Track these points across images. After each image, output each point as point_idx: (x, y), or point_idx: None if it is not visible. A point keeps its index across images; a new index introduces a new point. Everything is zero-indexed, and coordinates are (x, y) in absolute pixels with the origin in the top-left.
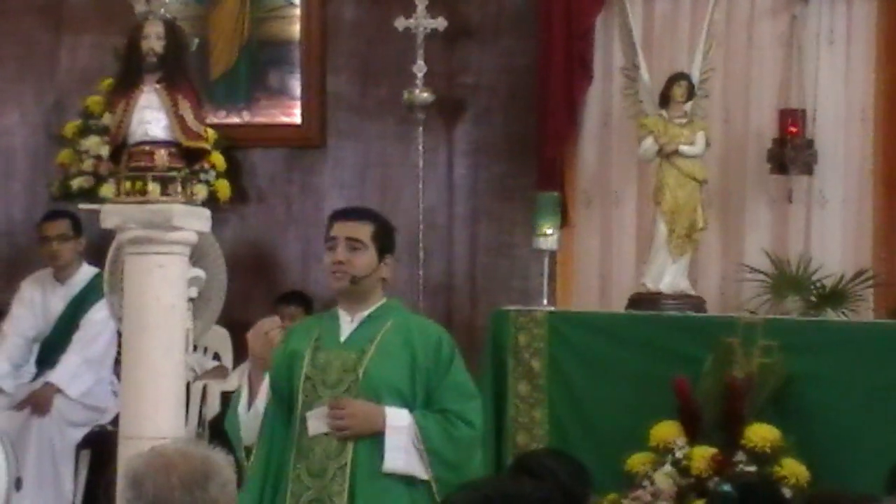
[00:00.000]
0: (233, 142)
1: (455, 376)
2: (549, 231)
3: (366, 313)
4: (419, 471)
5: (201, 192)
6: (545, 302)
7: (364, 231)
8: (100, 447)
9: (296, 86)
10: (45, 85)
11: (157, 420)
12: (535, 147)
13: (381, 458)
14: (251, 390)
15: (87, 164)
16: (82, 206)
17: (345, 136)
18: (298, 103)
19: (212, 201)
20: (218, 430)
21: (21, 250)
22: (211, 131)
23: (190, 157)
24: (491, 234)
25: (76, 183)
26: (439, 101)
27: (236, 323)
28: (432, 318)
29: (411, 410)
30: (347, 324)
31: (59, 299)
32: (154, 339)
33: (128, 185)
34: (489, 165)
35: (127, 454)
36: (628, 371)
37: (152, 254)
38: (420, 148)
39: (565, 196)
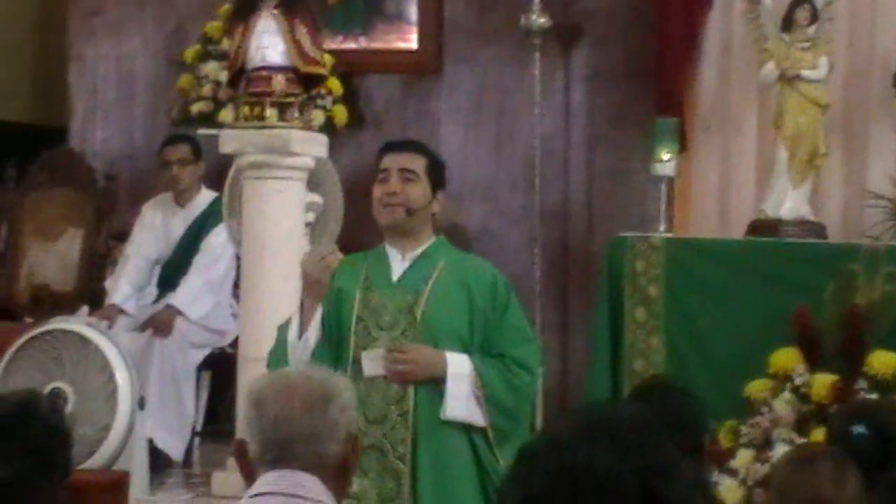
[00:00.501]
0: (349, 67)
1: (512, 319)
2: (667, 157)
3: (418, 251)
4: (478, 419)
5: (318, 117)
6: (662, 228)
7: (418, 163)
8: (220, 369)
9: (412, 11)
10: (166, 10)
11: None
12: (654, 73)
13: (441, 404)
14: (302, 320)
15: (207, 90)
16: (201, 131)
17: (461, 61)
18: (415, 29)
19: (329, 127)
20: None
21: (142, 174)
22: (328, 57)
23: (307, 82)
24: (608, 160)
25: (196, 108)
26: (556, 27)
27: (353, 248)
28: (549, 245)
29: (469, 355)
30: (398, 262)
31: (179, 223)
32: (272, 263)
33: (246, 110)
34: (606, 91)
35: (246, 376)
36: (747, 298)
37: (270, 179)
38: (536, 74)
39: (684, 122)
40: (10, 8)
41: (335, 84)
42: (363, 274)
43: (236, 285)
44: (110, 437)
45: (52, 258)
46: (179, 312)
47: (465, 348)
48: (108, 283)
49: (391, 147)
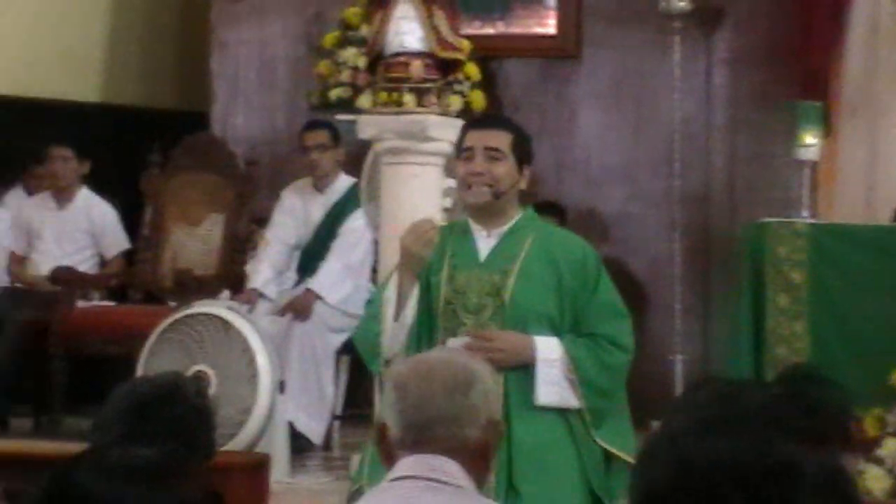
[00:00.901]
0: (487, 52)
1: (603, 295)
2: (811, 141)
3: (504, 228)
4: (572, 402)
5: (456, 102)
6: (806, 213)
7: (503, 140)
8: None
9: None
10: None
11: None
12: (798, 55)
13: (532, 389)
14: (400, 297)
15: (345, 75)
16: (340, 116)
17: (600, 46)
18: (554, 13)
19: (466, 112)
20: None
21: (282, 160)
22: (466, 42)
23: (445, 67)
24: (750, 143)
25: (334, 94)
26: (698, 10)
27: None
28: (689, 230)
29: (559, 336)
30: (484, 240)
31: (318, 208)
32: None
33: (384, 95)
34: (749, 74)
35: None
36: (894, 284)
37: (408, 164)
38: (677, 57)
39: (828, 105)
40: None
41: (473, 69)
42: (448, 251)
43: (374, 270)
44: (251, 419)
45: (195, 242)
46: (318, 297)
47: (554, 330)
48: (248, 268)
49: (475, 124)
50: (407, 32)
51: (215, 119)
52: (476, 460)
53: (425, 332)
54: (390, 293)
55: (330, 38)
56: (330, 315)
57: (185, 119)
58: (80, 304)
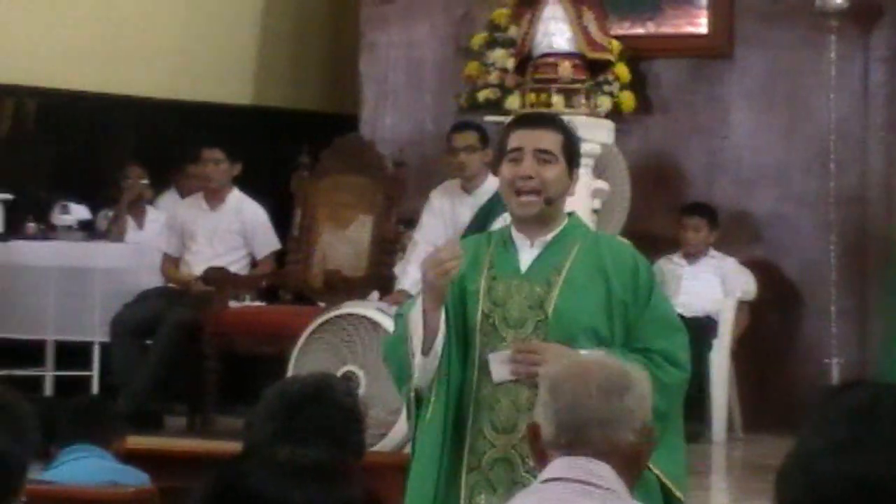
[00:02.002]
0: (637, 52)
1: (657, 307)
2: None
3: (549, 237)
4: None
5: (605, 103)
6: None
7: (555, 141)
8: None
9: None
10: None
11: None
12: None
13: None
14: (426, 326)
15: (494, 77)
16: (488, 117)
17: (752, 45)
18: (705, 12)
19: (615, 113)
20: None
21: (431, 160)
22: (615, 42)
23: (594, 68)
24: None
25: (483, 95)
26: (854, 7)
27: (639, 233)
28: (845, 231)
29: (608, 350)
30: (527, 249)
31: (466, 209)
32: None
33: (532, 96)
34: None
35: None
36: None
37: None
38: (832, 56)
39: None
40: None
41: (622, 70)
42: (487, 261)
43: None
44: (401, 420)
45: (344, 244)
46: None
47: (603, 345)
48: (397, 269)
49: (523, 122)
50: (556, 33)
51: (364, 121)
52: (629, 464)
53: (458, 348)
54: (417, 314)
55: (478, 39)
56: None
57: (334, 121)
58: (232, 304)
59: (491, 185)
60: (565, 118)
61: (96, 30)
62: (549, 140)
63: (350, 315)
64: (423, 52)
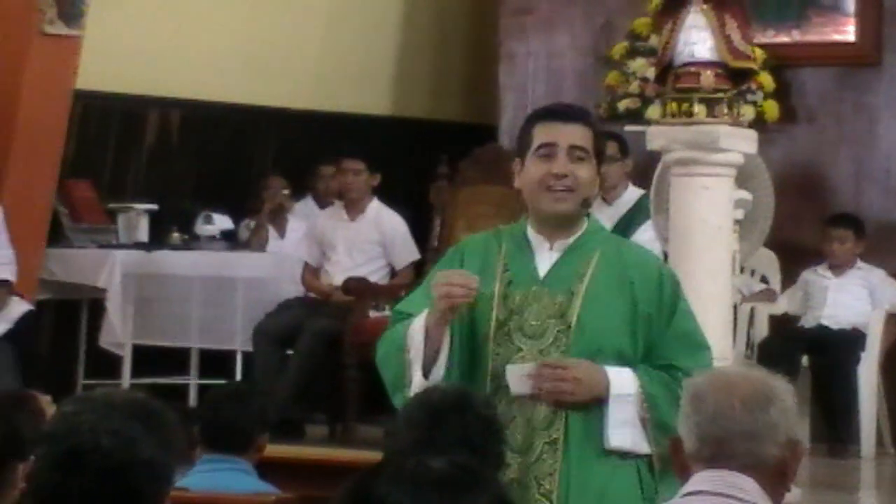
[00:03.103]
0: (781, 61)
1: (682, 323)
2: None
3: (570, 240)
4: (643, 446)
5: (748, 112)
6: None
7: (588, 137)
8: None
9: (849, 2)
10: (595, 7)
11: None
12: None
13: (596, 429)
14: (427, 347)
15: (634, 86)
16: (629, 127)
17: None
18: (852, 20)
19: (759, 122)
20: (768, 353)
21: None
22: (759, 51)
23: (737, 77)
24: None
25: (623, 104)
26: None
27: (784, 245)
28: None
29: (632, 369)
30: (545, 253)
31: (606, 219)
32: (700, 260)
33: (674, 106)
34: None
35: None
36: None
37: (698, 175)
38: None
39: None
40: (442, 9)
41: (766, 78)
42: (501, 264)
43: None
44: None
45: None
46: None
47: (625, 361)
48: None
49: (554, 114)
50: (697, 42)
51: (503, 131)
52: (773, 479)
53: (463, 356)
54: (418, 327)
55: (618, 48)
56: None
57: (473, 131)
58: (372, 314)
59: (631, 195)
60: (711, 128)
61: (239, 42)
62: (583, 136)
63: None
64: (562, 62)
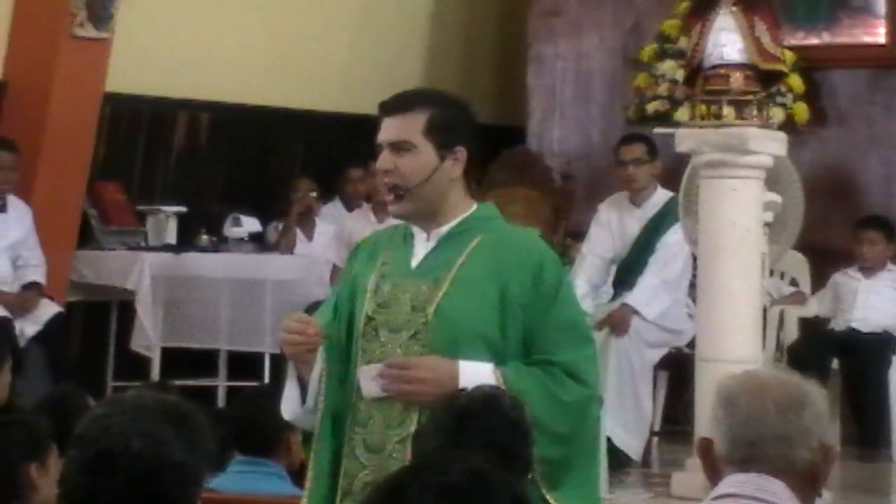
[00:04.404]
0: (811, 63)
1: (562, 313)
2: None
3: (445, 229)
4: None
5: (778, 115)
6: None
7: (412, 124)
8: (677, 368)
9: (880, 4)
10: (624, 9)
11: (733, 344)
12: None
13: None
14: (299, 376)
15: (663, 88)
16: (657, 129)
17: None
18: (883, 22)
19: (788, 124)
20: (798, 356)
21: (599, 173)
22: (788, 53)
23: (766, 79)
24: None
25: (652, 107)
26: None
27: (814, 248)
28: None
29: (497, 364)
30: (423, 243)
31: (634, 222)
32: (729, 262)
33: (703, 108)
34: None
35: (704, 377)
36: None
37: (727, 178)
38: None
39: None
40: (471, 10)
41: (796, 81)
42: (382, 257)
43: (693, 285)
44: None
45: None
46: (635, 311)
47: (496, 356)
48: None
49: (383, 110)
50: (727, 44)
51: (531, 133)
52: (804, 484)
53: (333, 361)
54: (293, 405)
55: (647, 50)
56: (647, 330)
57: (502, 133)
58: None
59: (660, 197)
60: (740, 130)
61: (268, 44)
62: (404, 126)
63: None
64: (591, 64)
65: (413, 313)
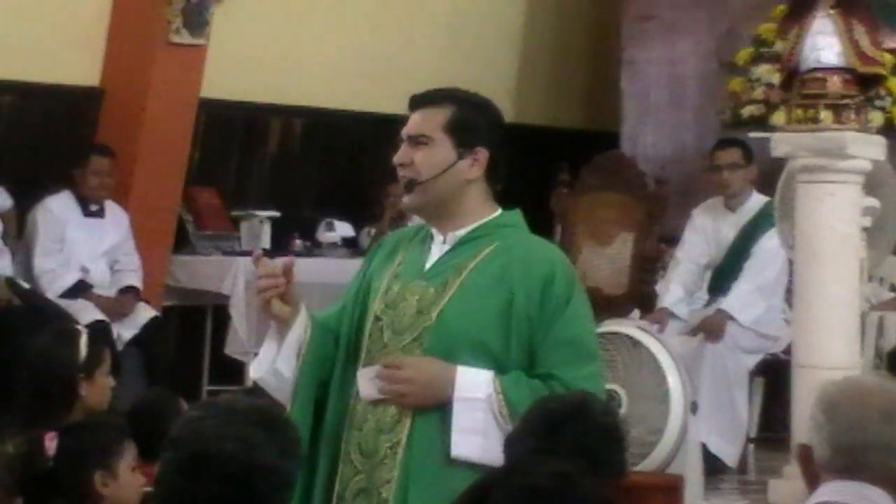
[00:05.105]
0: None
1: (568, 327)
2: None
3: (461, 232)
4: (499, 459)
5: (876, 118)
6: None
7: (432, 119)
8: (773, 375)
9: None
10: (719, 12)
11: (831, 350)
12: None
13: (445, 434)
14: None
15: (758, 92)
16: (753, 134)
17: None
18: None
19: (888, 128)
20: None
21: (692, 178)
22: (888, 56)
23: (864, 83)
24: None
25: (747, 111)
26: None
27: None
28: None
29: (496, 373)
30: (439, 246)
31: (729, 227)
32: (827, 268)
33: (799, 112)
34: None
35: (801, 383)
36: None
37: (824, 182)
38: None
39: None
40: (563, 15)
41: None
42: (399, 257)
43: (789, 290)
44: (663, 440)
45: (604, 261)
46: (731, 317)
47: (495, 364)
48: (658, 287)
49: (410, 103)
50: (824, 48)
51: (624, 138)
52: None
53: (340, 359)
54: (264, 368)
55: (743, 54)
56: (742, 336)
57: (594, 138)
58: None
59: (756, 202)
60: (838, 134)
61: (361, 50)
62: (424, 121)
63: (610, 333)
64: (685, 69)
65: (418, 316)
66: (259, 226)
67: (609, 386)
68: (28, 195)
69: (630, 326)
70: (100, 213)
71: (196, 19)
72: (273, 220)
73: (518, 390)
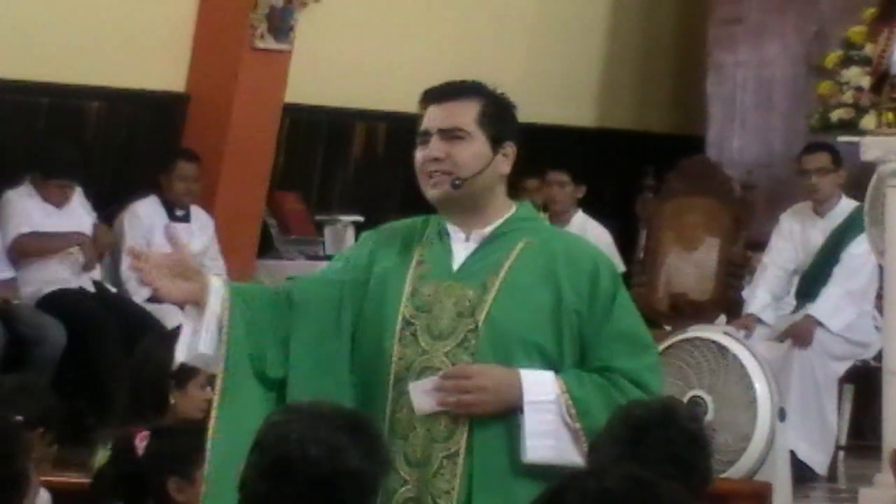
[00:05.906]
0: None
1: (620, 321)
2: None
3: (488, 230)
4: (574, 458)
5: None
6: None
7: (464, 115)
8: (864, 382)
9: None
10: (808, 15)
11: None
12: None
13: (507, 440)
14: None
15: (848, 96)
16: (842, 138)
17: None
18: None
19: None
20: None
21: (780, 182)
22: None
23: None
24: None
25: (836, 115)
26: None
27: None
28: None
29: (556, 372)
30: (461, 244)
31: (818, 232)
32: None
33: (889, 116)
34: None
35: (892, 390)
36: None
37: None
38: None
39: None
40: (648, 19)
41: None
42: (416, 255)
43: (880, 297)
44: (751, 447)
45: (690, 266)
46: (819, 323)
47: (548, 363)
48: (745, 293)
49: (430, 97)
50: None
51: (711, 142)
52: None
53: (365, 358)
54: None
55: (832, 57)
56: (832, 342)
57: (680, 142)
58: None
59: (845, 207)
60: None
61: (444, 55)
62: (457, 114)
63: (696, 339)
64: (772, 72)
65: (459, 319)
66: (343, 230)
67: (695, 392)
68: (115, 200)
69: (716, 332)
70: (185, 218)
71: (281, 25)
72: (357, 225)
73: (582, 388)
